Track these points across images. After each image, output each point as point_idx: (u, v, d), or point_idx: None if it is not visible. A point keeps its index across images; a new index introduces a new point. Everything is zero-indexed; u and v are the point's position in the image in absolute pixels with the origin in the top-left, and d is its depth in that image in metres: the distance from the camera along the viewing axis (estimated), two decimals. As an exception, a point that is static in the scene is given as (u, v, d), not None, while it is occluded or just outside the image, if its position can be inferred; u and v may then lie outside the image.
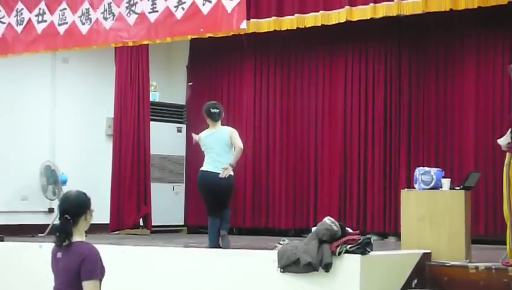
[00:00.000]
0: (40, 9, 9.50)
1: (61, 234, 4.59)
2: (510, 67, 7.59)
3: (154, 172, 12.45)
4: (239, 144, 8.57)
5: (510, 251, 7.17)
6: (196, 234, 12.06)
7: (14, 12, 9.68)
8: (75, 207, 4.63)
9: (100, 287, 4.54)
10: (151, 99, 12.45)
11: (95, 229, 11.95)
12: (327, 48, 11.66)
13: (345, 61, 11.54)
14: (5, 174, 11.42)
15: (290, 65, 12.07)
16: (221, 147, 8.62)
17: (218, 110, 8.78)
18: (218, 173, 8.50)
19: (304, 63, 11.92)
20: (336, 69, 11.63)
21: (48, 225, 11.33)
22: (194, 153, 12.82)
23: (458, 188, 7.89)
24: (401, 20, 9.72)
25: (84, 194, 4.71)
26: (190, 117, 12.98)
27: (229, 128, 8.75)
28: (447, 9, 7.47)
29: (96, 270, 4.51)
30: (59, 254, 4.61)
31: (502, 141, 7.12)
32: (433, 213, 7.80)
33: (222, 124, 8.83)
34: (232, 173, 8.59)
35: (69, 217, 4.58)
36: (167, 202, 12.49)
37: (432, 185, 7.91)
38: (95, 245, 4.63)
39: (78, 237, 4.60)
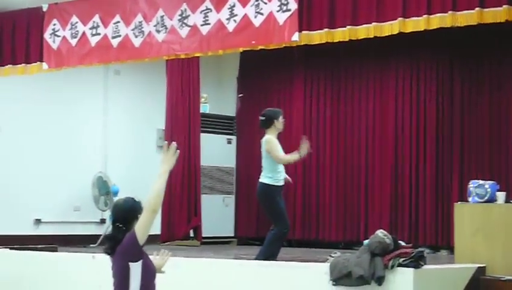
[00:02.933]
0: (94, 22, 9.60)
1: (111, 242, 4.64)
2: None
3: (205, 183, 12.50)
4: (273, 152, 8.40)
5: None
6: (246, 246, 12.07)
7: (69, 26, 9.79)
8: (124, 213, 4.69)
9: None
10: (201, 111, 12.51)
11: (146, 240, 12.09)
12: (378, 60, 11.61)
13: (395, 73, 11.48)
14: (58, 185, 11.58)
15: (340, 77, 12.04)
16: (263, 155, 8.54)
17: (263, 118, 8.64)
18: (260, 183, 8.47)
19: (355, 75, 11.88)
20: (386, 81, 11.57)
21: (100, 235, 11.44)
22: (244, 164, 12.90)
23: (514, 201, 7.78)
24: (453, 33, 9.63)
25: (133, 199, 4.75)
26: (240, 129, 13.02)
27: (266, 136, 8.54)
28: (502, 21, 7.37)
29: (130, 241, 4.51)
30: (112, 260, 4.67)
31: None
32: (487, 227, 7.70)
33: (272, 132, 8.57)
34: (264, 181, 8.45)
35: (120, 225, 4.63)
36: (217, 213, 12.52)
37: (486, 198, 7.81)
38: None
39: None
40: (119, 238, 4.60)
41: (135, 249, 4.55)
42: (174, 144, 4.74)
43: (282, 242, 8.69)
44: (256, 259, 8.28)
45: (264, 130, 8.59)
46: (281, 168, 8.51)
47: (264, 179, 8.45)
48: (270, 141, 8.46)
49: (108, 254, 4.66)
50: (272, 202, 8.45)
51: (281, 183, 8.49)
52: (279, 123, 8.56)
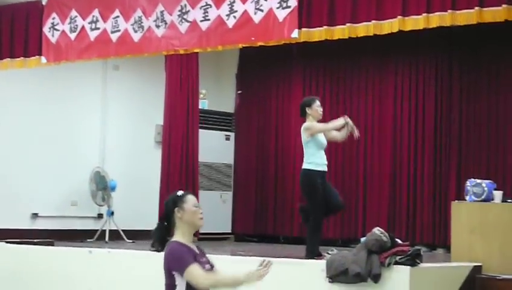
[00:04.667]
0: (93, 16, 9.59)
1: (153, 238, 4.65)
2: None
3: (202, 180, 12.50)
4: (314, 129, 8.29)
5: None
6: (243, 242, 12.09)
7: (68, 20, 9.79)
8: (164, 208, 4.68)
9: (196, 268, 4.46)
10: (200, 107, 12.51)
11: (144, 235, 12.08)
12: (377, 59, 11.61)
13: (395, 72, 11.48)
14: (56, 180, 11.57)
15: (339, 75, 12.04)
16: (303, 142, 8.46)
17: (300, 108, 8.58)
18: (302, 170, 8.41)
19: (354, 73, 11.88)
20: (385, 80, 11.57)
21: (97, 230, 11.47)
22: (242, 161, 12.91)
23: (511, 200, 7.79)
24: (452, 32, 9.63)
25: (174, 193, 4.69)
26: (239, 125, 13.03)
27: (304, 124, 8.42)
28: (502, 20, 7.37)
29: (180, 261, 4.46)
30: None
31: None
32: (484, 226, 7.72)
33: (310, 120, 8.44)
34: (304, 167, 8.38)
35: (161, 222, 4.63)
36: (215, 209, 12.51)
37: (483, 197, 7.84)
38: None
39: (178, 237, 4.61)
40: (160, 235, 4.60)
41: (175, 269, 4.53)
42: (269, 260, 4.58)
43: (321, 229, 8.57)
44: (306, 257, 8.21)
45: (304, 120, 8.49)
46: (322, 153, 8.43)
47: (305, 165, 8.37)
48: (307, 126, 8.35)
49: (154, 251, 4.65)
50: (311, 188, 8.32)
51: (321, 168, 8.38)
52: (313, 110, 8.42)
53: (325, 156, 8.46)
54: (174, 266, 4.49)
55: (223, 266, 8.06)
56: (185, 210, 4.61)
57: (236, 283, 4.53)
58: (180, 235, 4.61)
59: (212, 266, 4.69)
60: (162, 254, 4.61)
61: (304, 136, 8.35)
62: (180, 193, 4.65)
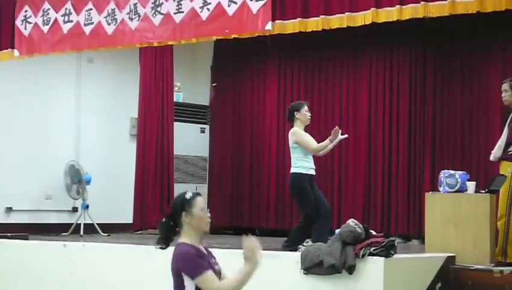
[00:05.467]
0: (66, 9, 9.54)
1: (160, 235, 4.58)
2: None
3: (177, 172, 12.48)
4: (303, 142, 8.31)
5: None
6: (219, 235, 12.07)
7: (41, 12, 9.73)
8: (172, 209, 4.58)
9: (211, 277, 4.40)
10: (175, 100, 12.49)
11: (118, 228, 12.06)
12: (351, 51, 11.63)
13: (369, 64, 11.50)
14: (30, 173, 11.50)
15: (314, 67, 12.05)
16: (290, 147, 8.45)
17: (287, 112, 8.59)
18: (290, 174, 8.43)
19: (328, 65, 11.90)
20: (360, 72, 11.59)
21: (72, 224, 11.41)
22: (217, 154, 12.90)
23: (483, 191, 7.85)
24: (426, 24, 9.67)
25: (183, 194, 4.57)
26: (214, 118, 13.01)
27: (292, 129, 8.43)
28: (474, 12, 7.41)
29: (194, 266, 4.40)
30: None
31: None
32: (457, 216, 7.77)
33: (298, 125, 8.45)
34: (293, 171, 8.38)
35: (167, 219, 4.56)
36: (190, 202, 12.48)
37: (456, 188, 7.88)
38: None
39: (185, 238, 4.54)
40: (167, 233, 4.54)
41: (186, 272, 4.47)
42: (252, 237, 4.48)
43: (307, 231, 8.45)
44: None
45: (291, 124, 8.49)
46: (310, 158, 8.43)
47: (293, 169, 8.40)
48: (296, 132, 8.36)
49: (159, 248, 4.59)
50: (301, 191, 8.36)
51: (310, 172, 8.41)
52: (301, 115, 8.41)
53: (312, 160, 8.47)
54: (186, 269, 4.43)
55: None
56: (192, 215, 4.52)
57: (247, 275, 4.44)
58: (187, 238, 4.54)
59: (219, 267, 4.66)
60: (165, 253, 4.55)
61: (292, 141, 8.36)
62: (188, 195, 4.54)
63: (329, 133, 11.65)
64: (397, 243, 7.30)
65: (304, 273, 7.18)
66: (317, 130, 11.89)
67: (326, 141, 8.30)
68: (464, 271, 7.40)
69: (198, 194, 4.60)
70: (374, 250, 6.93)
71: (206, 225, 4.59)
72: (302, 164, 8.35)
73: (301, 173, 8.34)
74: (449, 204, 7.86)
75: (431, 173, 10.61)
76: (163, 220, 4.56)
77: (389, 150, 11.23)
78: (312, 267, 7.14)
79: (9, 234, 10.12)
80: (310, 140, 8.39)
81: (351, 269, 6.92)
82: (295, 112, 8.41)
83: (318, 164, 11.72)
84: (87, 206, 11.50)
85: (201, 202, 4.56)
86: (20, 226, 10.97)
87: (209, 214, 4.60)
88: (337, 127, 8.37)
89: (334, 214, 11.55)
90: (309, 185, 8.35)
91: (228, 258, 7.83)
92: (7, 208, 11.39)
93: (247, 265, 4.41)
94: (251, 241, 4.43)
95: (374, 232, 7.27)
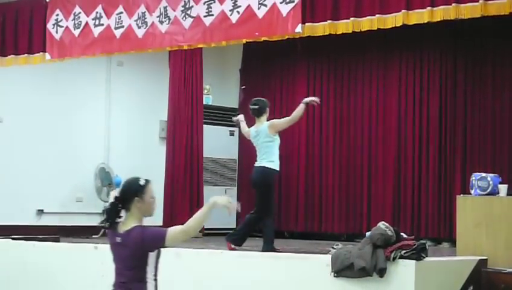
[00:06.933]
0: (97, 13, 9.58)
1: (107, 216, 4.77)
2: None
3: (207, 175, 12.51)
4: (282, 123, 8.79)
5: None
6: (248, 238, 12.07)
7: (72, 16, 9.79)
8: (121, 193, 4.80)
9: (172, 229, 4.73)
10: (204, 103, 12.52)
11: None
12: (381, 53, 11.59)
13: (399, 65, 11.47)
14: (61, 176, 11.59)
15: (343, 70, 12.03)
16: (261, 143, 8.74)
17: (257, 107, 8.93)
18: (258, 167, 8.73)
19: (358, 67, 11.87)
20: (390, 73, 11.55)
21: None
22: (246, 156, 12.88)
23: (516, 194, 7.78)
24: (457, 26, 9.61)
25: (136, 180, 4.82)
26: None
27: (269, 122, 8.79)
28: (506, 13, 7.35)
29: (158, 235, 4.68)
30: (118, 239, 4.76)
31: None
32: (489, 219, 7.70)
33: (264, 120, 8.88)
34: (266, 165, 8.65)
35: (117, 202, 4.76)
36: (219, 205, 12.50)
37: (488, 191, 7.81)
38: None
39: (134, 222, 4.75)
40: (115, 215, 4.74)
41: (157, 246, 4.73)
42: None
43: (257, 224, 9.02)
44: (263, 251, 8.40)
45: (256, 119, 8.87)
46: (278, 153, 8.77)
47: (266, 163, 8.61)
48: (274, 124, 8.75)
49: (104, 227, 4.78)
50: (270, 187, 8.73)
51: (279, 169, 8.78)
52: (268, 112, 8.92)
53: None
54: (156, 243, 4.70)
55: (228, 261, 8.11)
56: (144, 201, 4.78)
57: (206, 214, 4.82)
58: (136, 220, 4.78)
59: None
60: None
61: (270, 134, 8.65)
62: (142, 181, 4.80)
63: (358, 135, 11.74)
64: (428, 246, 7.25)
65: (334, 276, 7.14)
66: (346, 132, 11.91)
67: (301, 105, 8.72)
68: (496, 274, 7.33)
69: (149, 181, 4.87)
70: (405, 253, 6.88)
71: (153, 210, 4.86)
72: (275, 159, 8.69)
73: (275, 170, 8.72)
74: (481, 207, 7.79)
75: (462, 176, 10.55)
76: (113, 201, 4.77)
77: (419, 153, 11.17)
78: (342, 270, 7.10)
79: (40, 236, 10.20)
80: (284, 118, 8.86)
81: (381, 272, 6.87)
82: (267, 108, 8.86)
83: (348, 165, 11.78)
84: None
85: (152, 189, 4.85)
86: (51, 228, 11.06)
87: (155, 201, 4.88)
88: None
89: (364, 217, 11.54)
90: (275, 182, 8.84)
91: (259, 261, 7.89)
92: (38, 210, 11.49)
93: (211, 203, 4.81)
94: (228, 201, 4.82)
95: (404, 235, 7.23)
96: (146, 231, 4.71)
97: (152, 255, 4.73)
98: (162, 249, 4.76)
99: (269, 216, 8.75)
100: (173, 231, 4.71)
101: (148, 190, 4.80)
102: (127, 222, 4.77)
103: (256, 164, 8.84)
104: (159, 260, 4.79)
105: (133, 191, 4.77)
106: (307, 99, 8.86)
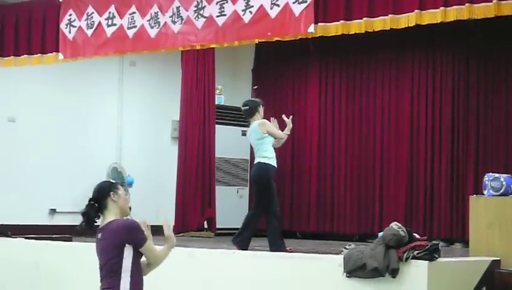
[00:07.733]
0: (110, 13, 9.61)
1: (84, 217, 4.94)
2: None
3: (219, 175, 12.52)
4: (275, 132, 8.75)
5: None
6: (260, 237, 12.05)
7: (85, 16, 9.81)
8: (96, 193, 4.98)
9: (152, 246, 4.92)
10: (216, 103, 12.53)
11: (160, 230, 12.14)
12: (394, 53, 11.58)
13: (411, 65, 11.45)
14: (73, 176, 11.62)
15: (355, 70, 12.01)
16: (254, 141, 8.80)
17: (247, 107, 8.97)
18: (255, 164, 8.82)
19: (370, 67, 11.86)
20: (402, 74, 11.53)
21: (115, 226, 11.49)
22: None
23: (529, 194, 7.74)
24: (470, 26, 9.57)
25: (107, 181, 5.12)
26: (255, 121, 13.01)
27: (258, 121, 8.83)
28: (520, 13, 7.33)
29: (139, 236, 4.85)
30: (99, 235, 4.92)
31: None
32: (502, 220, 7.66)
33: (261, 118, 8.90)
34: (264, 161, 8.68)
35: (92, 202, 4.93)
36: (231, 205, 12.53)
37: (501, 191, 7.77)
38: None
39: (113, 217, 4.90)
40: (91, 215, 4.91)
41: (137, 237, 4.88)
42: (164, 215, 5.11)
43: (258, 220, 9.03)
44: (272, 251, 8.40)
45: (249, 120, 8.94)
46: (273, 149, 8.80)
47: (263, 159, 8.67)
48: (265, 123, 8.79)
49: (82, 229, 4.95)
50: (269, 183, 8.68)
51: (276, 164, 8.78)
52: (262, 111, 8.92)
53: None
54: (132, 239, 4.82)
55: (241, 261, 8.11)
56: (119, 195, 4.96)
57: (169, 251, 5.05)
58: (114, 215, 4.92)
59: None
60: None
61: (260, 132, 8.70)
62: (112, 180, 5.13)
63: (370, 136, 11.72)
64: (441, 247, 7.23)
65: (347, 277, 7.12)
66: (358, 132, 11.89)
67: (286, 131, 8.83)
68: (509, 275, 7.29)
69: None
70: (417, 253, 6.85)
71: (128, 208, 5.05)
72: (270, 155, 8.70)
73: (273, 165, 8.70)
74: (494, 207, 7.75)
75: (474, 176, 10.52)
76: (89, 202, 4.94)
77: (431, 154, 11.14)
78: (355, 271, 7.08)
79: (53, 236, 10.22)
80: (277, 128, 8.83)
81: (394, 273, 6.85)
82: (258, 108, 8.88)
83: (360, 166, 11.77)
84: (130, 208, 11.55)
85: (123, 189, 5.07)
86: (63, 228, 11.07)
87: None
88: (287, 118, 8.85)
89: (376, 217, 11.52)
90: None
91: (271, 261, 7.88)
92: (51, 209, 11.53)
93: (169, 242, 5.03)
94: (166, 220, 5.07)
95: (417, 236, 7.21)
96: (128, 222, 4.89)
97: (129, 251, 4.81)
98: (140, 250, 4.85)
99: (270, 214, 8.69)
100: (151, 248, 4.91)
101: (120, 187, 5.02)
102: (105, 219, 4.93)
103: (254, 162, 8.93)
104: (138, 259, 4.88)
105: (106, 188, 4.97)
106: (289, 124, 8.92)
